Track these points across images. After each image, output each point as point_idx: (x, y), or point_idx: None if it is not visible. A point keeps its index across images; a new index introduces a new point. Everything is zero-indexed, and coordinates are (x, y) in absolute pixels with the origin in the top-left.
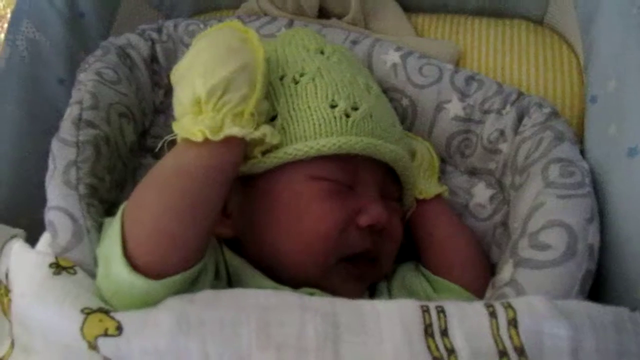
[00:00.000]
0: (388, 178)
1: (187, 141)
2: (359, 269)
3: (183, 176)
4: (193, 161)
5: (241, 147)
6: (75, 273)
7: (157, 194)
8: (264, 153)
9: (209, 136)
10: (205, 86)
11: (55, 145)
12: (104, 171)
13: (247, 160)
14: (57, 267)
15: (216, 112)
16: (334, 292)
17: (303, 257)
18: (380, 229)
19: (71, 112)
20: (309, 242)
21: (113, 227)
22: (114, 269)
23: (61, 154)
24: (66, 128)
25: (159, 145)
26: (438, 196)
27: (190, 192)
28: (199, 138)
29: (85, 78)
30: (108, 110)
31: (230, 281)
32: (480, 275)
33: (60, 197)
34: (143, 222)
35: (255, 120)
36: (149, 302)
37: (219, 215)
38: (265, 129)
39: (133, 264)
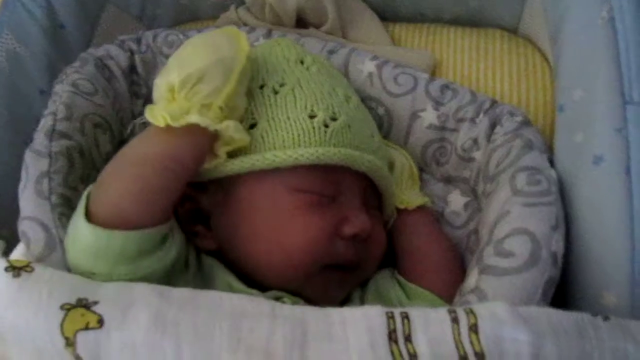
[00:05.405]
0: (369, 187)
1: (154, 127)
2: (340, 275)
3: (140, 163)
4: (152, 148)
5: (204, 139)
6: (32, 270)
7: (115, 177)
8: (233, 155)
9: (170, 122)
10: (180, 75)
11: (28, 156)
12: (77, 181)
13: (214, 158)
14: (14, 269)
15: (187, 101)
16: (315, 297)
17: (286, 268)
18: (364, 238)
19: (45, 123)
20: (292, 255)
21: (80, 203)
22: (81, 231)
23: (34, 165)
24: (39, 139)
25: (129, 128)
26: (421, 206)
27: (144, 179)
28: (160, 123)
29: (61, 89)
30: (82, 121)
31: (201, 274)
32: (454, 282)
33: (32, 207)
34: (102, 202)
35: (224, 114)
36: (116, 253)
37: (177, 199)
38: (230, 123)
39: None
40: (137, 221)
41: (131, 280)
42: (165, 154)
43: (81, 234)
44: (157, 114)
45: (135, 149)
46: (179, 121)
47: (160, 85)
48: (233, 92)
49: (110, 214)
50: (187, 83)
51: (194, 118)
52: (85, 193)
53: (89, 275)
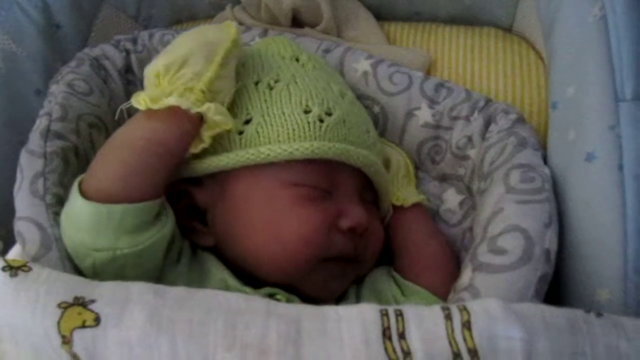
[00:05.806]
0: (364, 183)
1: (141, 112)
2: (340, 268)
3: (124, 146)
4: (137, 132)
5: (188, 123)
6: (29, 270)
7: (103, 162)
8: (229, 150)
9: (149, 104)
10: (165, 61)
11: (23, 157)
12: (72, 181)
13: (199, 144)
14: (11, 269)
15: (170, 85)
16: (315, 291)
17: (284, 262)
18: (361, 231)
19: (40, 123)
20: (289, 248)
21: (72, 187)
22: (81, 209)
23: (29, 165)
24: (34, 140)
25: (117, 114)
26: (417, 204)
27: (129, 162)
28: (141, 106)
29: (56, 90)
30: (77, 121)
31: (196, 270)
32: (450, 279)
33: (27, 207)
34: (93, 186)
35: (207, 97)
36: (116, 225)
37: (165, 182)
38: (211, 106)
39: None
40: (127, 200)
41: (133, 254)
42: (149, 138)
43: (82, 212)
44: (139, 98)
45: (122, 134)
46: (157, 103)
47: (148, 73)
48: (216, 75)
49: (101, 196)
50: (170, 68)
51: (172, 100)
52: (77, 180)
53: (92, 252)
